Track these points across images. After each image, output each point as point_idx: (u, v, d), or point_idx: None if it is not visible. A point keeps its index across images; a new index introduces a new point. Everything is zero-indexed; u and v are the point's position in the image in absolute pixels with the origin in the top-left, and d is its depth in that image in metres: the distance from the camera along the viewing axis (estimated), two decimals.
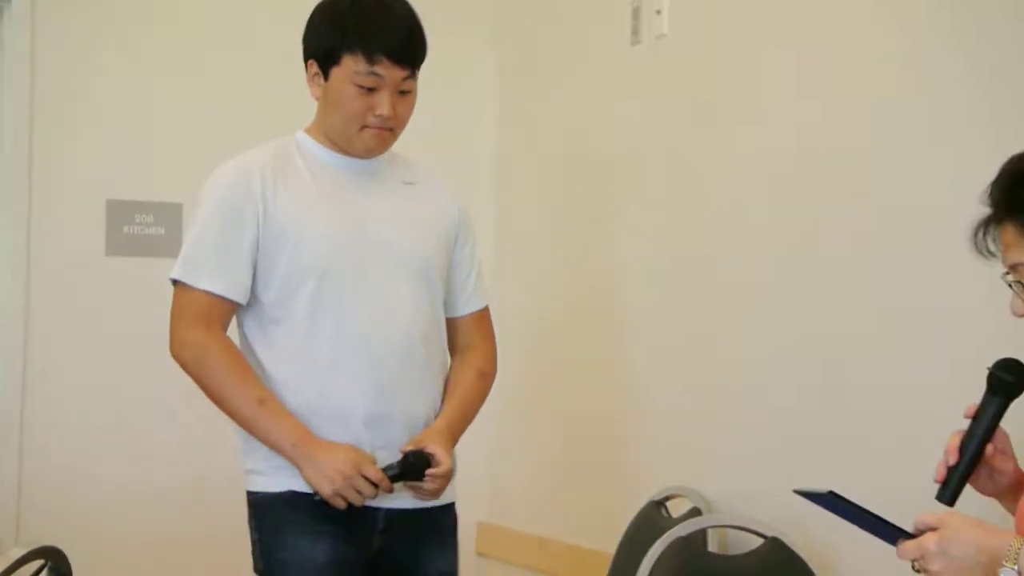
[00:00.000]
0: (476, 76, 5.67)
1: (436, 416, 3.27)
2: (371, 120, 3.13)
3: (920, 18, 3.56)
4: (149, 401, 5.09)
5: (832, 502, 2.38)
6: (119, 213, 5.12)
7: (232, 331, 3.27)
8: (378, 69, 3.09)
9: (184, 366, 3.18)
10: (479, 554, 5.33)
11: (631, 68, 4.62)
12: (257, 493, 3.21)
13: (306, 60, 3.23)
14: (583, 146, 4.90)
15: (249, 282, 3.16)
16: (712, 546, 4.07)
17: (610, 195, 4.77)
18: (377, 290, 3.18)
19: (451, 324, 3.40)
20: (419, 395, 3.23)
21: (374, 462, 3.11)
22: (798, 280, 3.92)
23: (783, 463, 3.90)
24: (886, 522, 2.37)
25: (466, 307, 3.41)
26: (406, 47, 3.13)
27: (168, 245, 5.00)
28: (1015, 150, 2.48)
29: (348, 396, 3.14)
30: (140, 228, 5.15)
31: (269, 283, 3.17)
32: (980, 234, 2.42)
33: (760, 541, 3.88)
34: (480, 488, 5.13)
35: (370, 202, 3.23)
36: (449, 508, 3.31)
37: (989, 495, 2.59)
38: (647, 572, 3.85)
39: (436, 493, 3.18)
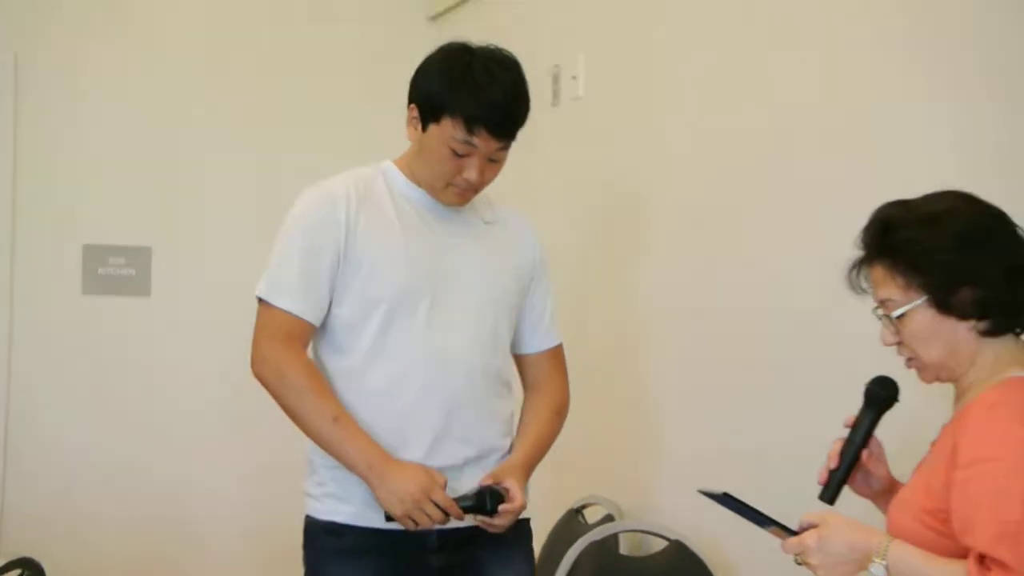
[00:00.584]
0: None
1: (495, 446, 3.15)
2: (458, 181, 3.01)
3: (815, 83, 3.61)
4: (122, 423, 5.19)
5: (728, 501, 2.46)
6: (94, 256, 5.21)
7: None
8: (475, 140, 2.95)
9: (263, 382, 3.06)
10: None
11: (552, 126, 4.65)
12: (308, 517, 3.12)
13: (409, 101, 3.07)
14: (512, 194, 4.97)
15: (326, 305, 3.04)
16: (623, 549, 4.19)
17: None
18: (444, 325, 3.04)
19: (525, 360, 3.30)
20: (478, 426, 3.10)
21: (445, 485, 2.97)
22: (711, 306, 3.99)
23: (688, 476, 3.92)
24: (773, 520, 2.45)
25: (541, 344, 3.28)
26: (506, 122, 2.99)
27: (138, 285, 5.25)
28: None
29: (408, 424, 3.02)
30: (113, 269, 5.23)
31: (341, 308, 3.04)
32: (854, 273, 2.53)
33: (665, 544, 4.01)
34: None
35: (448, 240, 3.10)
36: (517, 523, 3.10)
37: (865, 496, 2.67)
38: (565, 573, 3.96)
39: (503, 528, 3.03)
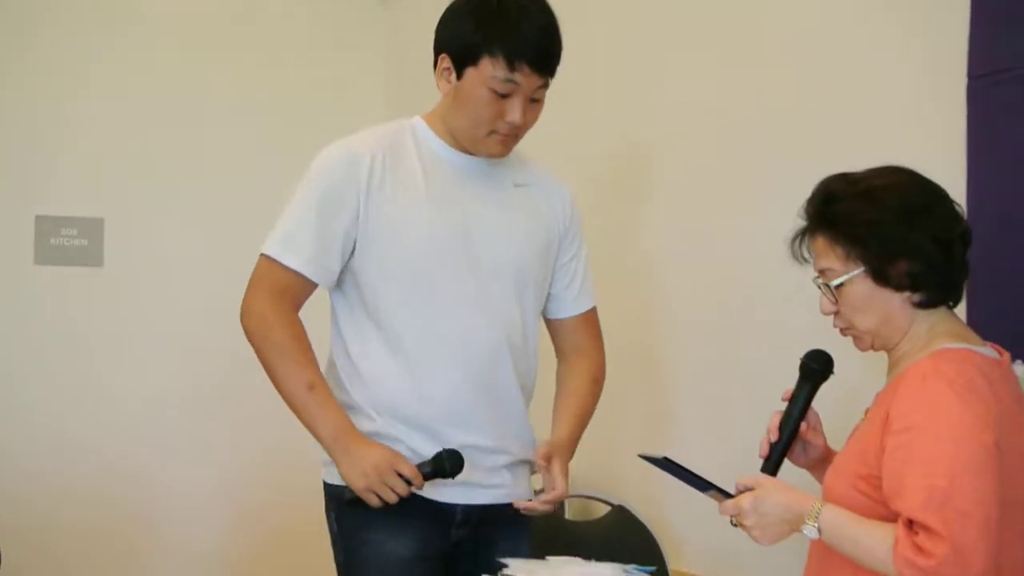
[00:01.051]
0: (365, 99, 5.66)
1: (521, 415, 3.09)
2: (500, 126, 2.90)
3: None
4: (71, 393, 5.18)
5: (667, 465, 2.52)
6: (46, 227, 5.19)
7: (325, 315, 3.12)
8: (516, 76, 2.84)
9: (247, 333, 2.98)
10: None
11: None
12: (333, 485, 3.01)
13: (437, 53, 2.95)
14: None
15: (337, 267, 2.96)
16: (569, 514, 4.23)
17: None
18: (468, 294, 2.96)
19: (558, 325, 3.21)
20: (502, 397, 3.02)
21: (405, 460, 2.89)
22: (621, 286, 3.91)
23: (632, 445, 3.74)
24: (711, 484, 2.52)
25: (573, 309, 3.19)
26: (547, 56, 2.88)
27: (90, 255, 5.24)
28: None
29: (431, 394, 2.95)
30: (65, 240, 5.20)
31: (362, 273, 2.97)
32: (796, 243, 2.58)
33: (608, 508, 4.07)
34: None
35: (476, 205, 3.00)
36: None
37: (803, 467, 2.73)
38: None
39: (545, 512, 3.01)
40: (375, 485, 2.86)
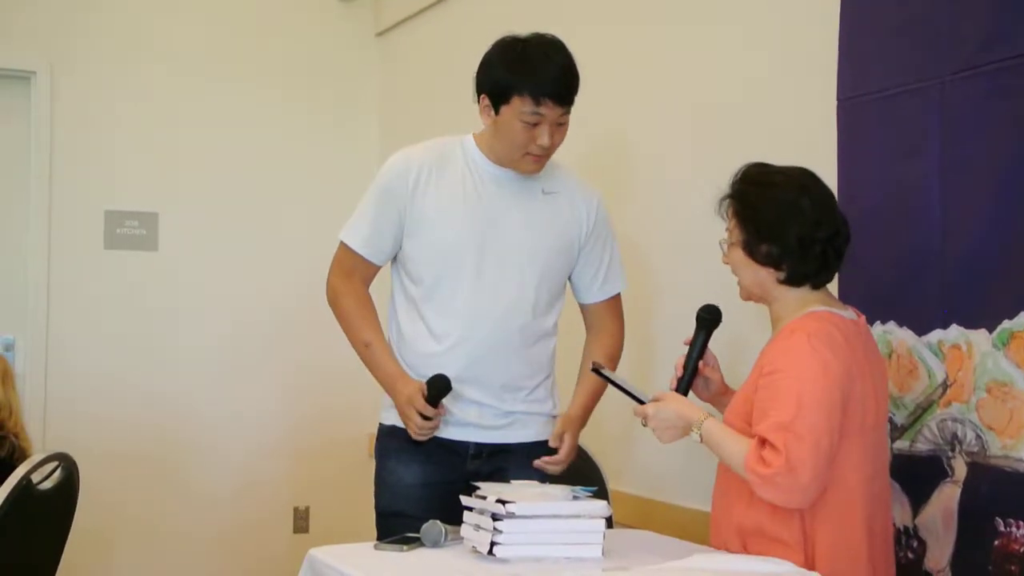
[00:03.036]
0: (362, 122, 5.67)
1: (521, 385, 3.01)
2: (533, 148, 2.87)
3: None
4: (137, 353, 5.24)
5: (606, 377, 2.76)
6: (114, 220, 5.26)
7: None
8: (542, 110, 2.82)
9: (329, 304, 3.05)
10: (370, 456, 5.23)
11: (474, 121, 4.24)
12: (380, 424, 3.08)
13: (479, 94, 2.94)
14: None
15: (388, 249, 2.99)
16: None
17: None
18: (489, 281, 2.93)
19: (587, 308, 3.15)
20: (509, 370, 2.97)
21: (423, 393, 2.87)
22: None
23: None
24: (633, 395, 2.63)
25: (599, 295, 3.11)
26: (566, 91, 2.86)
27: (148, 242, 5.31)
28: None
29: (446, 360, 2.91)
30: (129, 230, 5.28)
31: (407, 259, 2.99)
32: (721, 206, 2.57)
33: None
34: (375, 401, 5.00)
35: (506, 207, 2.96)
36: (542, 444, 3.01)
37: (706, 400, 2.75)
38: None
39: (555, 471, 2.97)
40: (403, 419, 2.92)
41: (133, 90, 5.33)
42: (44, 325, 5.15)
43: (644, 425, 2.58)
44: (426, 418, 2.88)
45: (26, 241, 5.17)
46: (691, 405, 2.54)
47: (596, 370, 2.80)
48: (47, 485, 3.39)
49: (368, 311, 3.04)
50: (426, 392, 2.87)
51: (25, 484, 3.19)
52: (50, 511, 3.44)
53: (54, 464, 3.46)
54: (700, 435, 2.46)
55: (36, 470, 3.30)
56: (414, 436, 2.92)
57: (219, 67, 5.48)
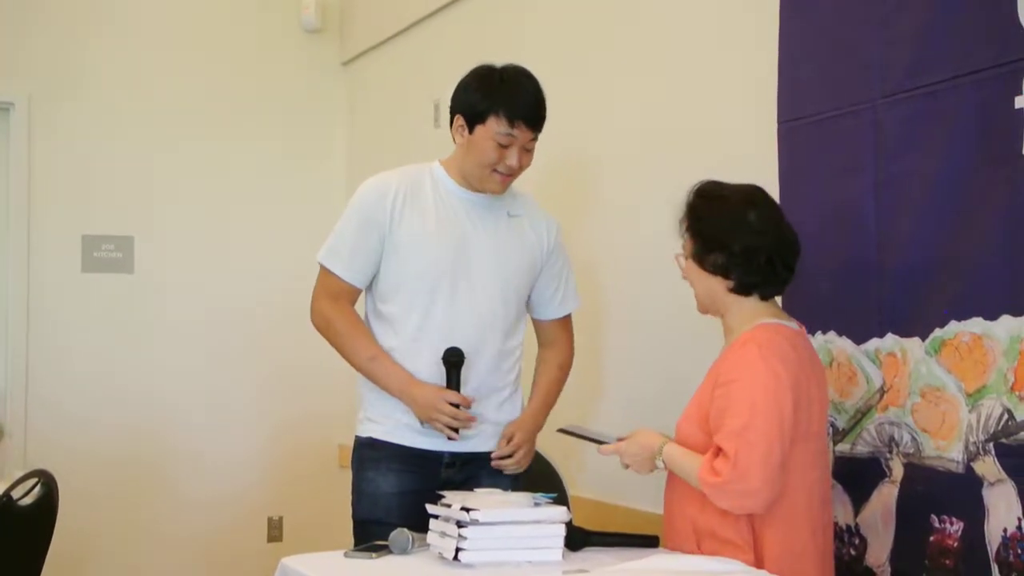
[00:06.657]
0: (329, 147, 5.65)
1: (495, 386, 3.01)
2: (501, 167, 2.90)
3: None
4: (112, 368, 5.22)
5: (570, 433, 2.78)
6: (90, 244, 5.25)
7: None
8: (515, 131, 2.86)
9: (317, 329, 3.01)
10: (341, 467, 5.23)
11: (433, 143, 4.16)
12: (356, 437, 3.06)
13: (453, 114, 2.96)
14: None
15: (371, 272, 2.97)
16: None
17: None
18: (461, 298, 2.94)
19: (541, 324, 3.17)
20: (482, 384, 2.97)
21: (449, 391, 2.89)
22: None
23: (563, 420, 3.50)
24: (599, 440, 2.67)
25: (555, 313, 3.14)
26: (537, 117, 2.90)
27: (124, 264, 5.29)
28: None
29: (421, 374, 2.92)
30: (105, 253, 5.27)
31: (381, 280, 2.98)
32: (681, 224, 2.58)
33: None
34: (344, 413, 4.91)
35: (475, 229, 2.98)
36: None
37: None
38: None
39: (506, 468, 3.00)
40: (433, 415, 2.88)
41: (108, 120, 5.32)
42: (24, 346, 5.14)
43: (625, 467, 2.62)
44: (455, 406, 2.88)
45: (6, 265, 5.15)
46: (652, 434, 2.57)
47: (562, 431, 2.79)
48: (27, 501, 3.37)
49: (362, 329, 3.01)
50: (449, 378, 2.89)
51: (5, 500, 3.20)
52: (30, 527, 3.42)
53: (34, 480, 3.44)
54: (663, 461, 2.51)
55: (16, 487, 3.30)
56: (449, 436, 2.90)
57: (190, 97, 5.46)
